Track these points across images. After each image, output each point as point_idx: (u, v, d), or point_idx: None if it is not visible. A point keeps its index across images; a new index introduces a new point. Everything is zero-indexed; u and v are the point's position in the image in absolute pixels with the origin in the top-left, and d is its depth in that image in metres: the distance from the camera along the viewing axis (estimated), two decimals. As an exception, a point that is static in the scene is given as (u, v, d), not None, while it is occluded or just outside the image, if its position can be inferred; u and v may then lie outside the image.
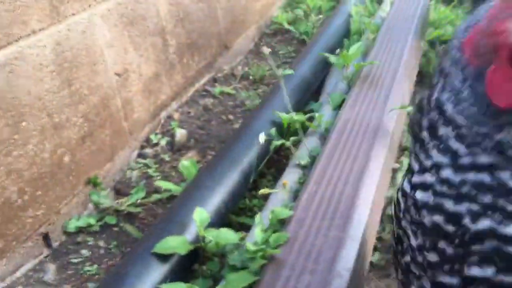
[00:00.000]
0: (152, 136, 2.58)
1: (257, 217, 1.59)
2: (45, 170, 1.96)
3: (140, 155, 2.49)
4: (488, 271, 0.77)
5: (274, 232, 1.57)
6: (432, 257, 0.83)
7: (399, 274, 0.98)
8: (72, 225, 2.06)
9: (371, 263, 1.80)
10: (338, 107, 2.37)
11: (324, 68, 2.94)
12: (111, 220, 2.12)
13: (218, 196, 1.89)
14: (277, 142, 2.09)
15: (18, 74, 1.82)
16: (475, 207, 0.77)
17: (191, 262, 1.66)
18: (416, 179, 0.86)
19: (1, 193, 1.75)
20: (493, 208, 0.76)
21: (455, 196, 0.79)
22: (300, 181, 1.93)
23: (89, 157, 2.19)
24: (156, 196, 2.21)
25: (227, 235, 1.56)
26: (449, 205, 0.79)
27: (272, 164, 2.32)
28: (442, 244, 0.81)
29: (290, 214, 1.61)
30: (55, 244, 2.00)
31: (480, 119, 0.79)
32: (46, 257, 1.95)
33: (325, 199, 1.70)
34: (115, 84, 2.36)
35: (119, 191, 2.29)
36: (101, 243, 2.03)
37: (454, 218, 0.79)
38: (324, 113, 2.37)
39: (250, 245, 1.47)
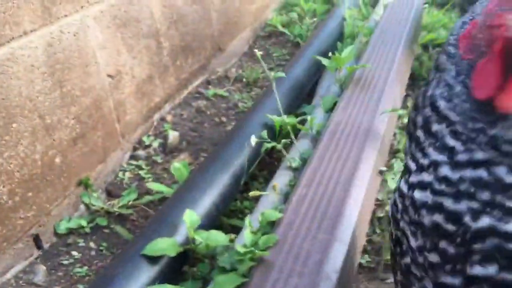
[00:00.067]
0: (145, 138, 2.58)
1: (247, 220, 1.59)
2: (36, 171, 1.96)
3: (133, 157, 2.49)
4: (491, 270, 0.76)
5: (264, 234, 1.58)
6: (433, 257, 0.82)
7: (399, 275, 0.96)
8: (63, 227, 2.06)
9: (361, 265, 1.81)
10: (330, 109, 2.38)
11: (317, 71, 2.95)
12: (102, 221, 2.11)
13: (209, 198, 1.89)
14: (268, 145, 2.09)
15: (9, 75, 1.82)
16: (474, 204, 0.76)
17: (181, 264, 1.66)
18: (413, 178, 0.84)
19: (-9, 194, 1.75)
20: (492, 205, 0.75)
21: (454, 194, 0.78)
22: (291, 183, 1.94)
23: (81, 158, 2.19)
24: (147, 198, 2.21)
25: (217, 237, 1.57)
26: (448, 203, 0.78)
27: (264, 166, 2.33)
28: (443, 244, 0.80)
29: (279, 216, 1.62)
30: (45, 246, 2.00)
31: (473, 114, 0.78)
32: (36, 258, 1.94)
33: (315, 201, 1.70)
34: (108, 86, 2.36)
35: (111, 193, 2.29)
36: (92, 245, 2.03)
37: (454, 216, 0.78)
38: (316, 115, 2.38)
39: (239, 247, 1.47)
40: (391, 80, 2.46)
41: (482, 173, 0.76)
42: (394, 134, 2.35)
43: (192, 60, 3.04)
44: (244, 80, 3.24)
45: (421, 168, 0.83)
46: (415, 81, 2.99)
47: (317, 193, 1.75)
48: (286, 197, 1.87)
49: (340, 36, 3.27)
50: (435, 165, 0.81)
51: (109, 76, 2.36)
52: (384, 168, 1.79)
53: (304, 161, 2.01)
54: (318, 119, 2.33)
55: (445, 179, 0.79)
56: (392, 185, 2.02)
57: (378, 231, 1.96)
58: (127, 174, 2.38)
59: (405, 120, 2.43)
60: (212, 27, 3.27)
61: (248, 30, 3.79)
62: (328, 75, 2.86)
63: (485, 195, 0.76)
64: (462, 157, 0.78)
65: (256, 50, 2.18)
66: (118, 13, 2.41)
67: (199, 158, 2.50)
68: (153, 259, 1.56)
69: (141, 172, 2.39)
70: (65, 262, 1.94)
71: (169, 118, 2.76)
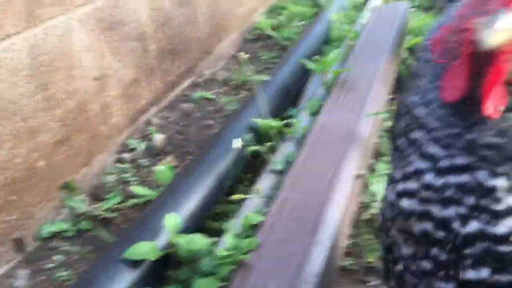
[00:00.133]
0: (131, 141, 2.57)
1: (229, 223, 1.59)
2: (19, 174, 1.95)
3: (118, 160, 2.49)
4: (483, 273, 0.76)
5: (246, 237, 1.58)
6: (426, 264, 0.82)
7: (392, 282, 0.96)
8: (46, 230, 2.05)
9: (344, 268, 1.82)
10: (316, 113, 2.39)
11: (304, 74, 2.96)
12: (86, 225, 2.11)
13: (193, 201, 1.89)
14: (252, 148, 2.09)
15: (-9, 78, 1.82)
16: (462, 210, 0.77)
17: (163, 268, 1.65)
18: (400, 187, 0.84)
19: (-28, 198, 1.74)
20: (479, 209, 0.76)
21: (441, 200, 0.78)
22: (275, 186, 1.94)
23: (65, 161, 2.18)
24: (132, 201, 2.20)
25: (198, 241, 1.57)
26: (436, 210, 0.79)
27: (250, 169, 2.32)
28: (434, 251, 0.80)
29: (261, 219, 1.62)
30: (28, 249, 1.98)
31: (450, 119, 0.79)
32: (18, 262, 1.93)
33: (298, 204, 1.71)
34: (93, 88, 2.35)
35: (96, 196, 2.28)
36: (76, 249, 2.02)
37: (443, 223, 0.78)
38: (302, 118, 2.39)
39: (220, 251, 1.47)
40: (376, 83, 2.48)
41: (465, 178, 0.77)
42: (379, 137, 2.36)
43: (179, 63, 3.04)
44: (232, 83, 3.25)
45: (406, 177, 0.83)
46: (400, 84, 3.01)
47: (300, 196, 1.76)
48: (270, 200, 1.87)
49: (327, 39, 3.28)
50: (419, 172, 0.81)
51: (95, 78, 2.36)
52: (362, 172, 1.79)
53: (289, 164, 2.02)
54: (303, 122, 2.34)
55: (430, 186, 0.79)
56: (376, 188, 2.03)
57: (362, 234, 1.97)
58: (112, 177, 2.37)
59: (390, 123, 2.45)
60: (199, 30, 3.27)
61: (236, 33, 3.80)
62: (315, 78, 2.87)
63: (471, 200, 0.76)
64: (444, 163, 0.79)
65: (241, 54, 2.18)
66: (104, 16, 2.41)
67: (185, 161, 2.50)
68: (134, 263, 1.56)
69: (126, 175, 2.38)
70: (48, 266, 1.93)
71: (155, 121, 2.76)
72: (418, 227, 0.81)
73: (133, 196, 2.23)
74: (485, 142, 0.76)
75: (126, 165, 2.44)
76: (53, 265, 1.94)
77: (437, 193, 0.79)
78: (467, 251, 0.77)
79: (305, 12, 4.06)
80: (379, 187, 2.03)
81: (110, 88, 2.45)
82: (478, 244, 0.76)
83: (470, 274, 0.77)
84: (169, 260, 1.63)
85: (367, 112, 2.20)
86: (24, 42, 1.97)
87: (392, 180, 0.89)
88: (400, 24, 3.21)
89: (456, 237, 0.77)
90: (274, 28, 3.95)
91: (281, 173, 2.03)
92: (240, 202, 1.94)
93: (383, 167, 2.14)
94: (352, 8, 3.76)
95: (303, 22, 3.97)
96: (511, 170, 0.76)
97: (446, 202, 0.78)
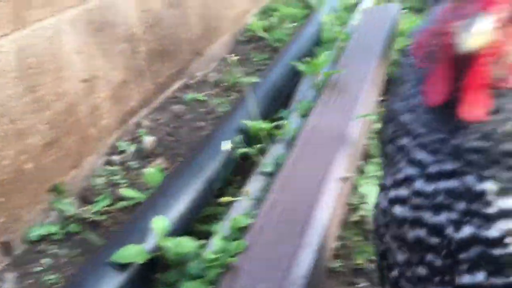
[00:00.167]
0: (120, 143, 2.56)
1: (217, 226, 1.59)
2: (7, 176, 1.93)
3: (108, 162, 2.47)
4: (479, 277, 0.76)
5: (235, 240, 1.58)
6: (421, 270, 0.82)
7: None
8: (35, 233, 2.03)
9: (333, 270, 1.82)
10: (306, 114, 2.39)
11: (295, 75, 2.96)
12: (74, 228, 2.09)
13: (182, 204, 1.89)
14: (241, 150, 2.09)
15: (-22, 80, 1.80)
16: (454, 215, 0.77)
17: (151, 271, 1.65)
18: (391, 194, 0.84)
19: (-41, 201, 1.73)
20: (470, 213, 0.76)
21: (432, 207, 0.78)
22: (264, 188, 1.94)
23: (54, 164, 2.17)
24: (122, 204, 2.19)
25: (186, 244, 1.56)
26: (428, 217, 0.79)
27: (240, 171, 2.32)
28: (429, 257, 0.80)
29: (249, 222, 1.62)
30: (16, 253, 1.97)
31: (435, 124, 0.79)
32: (6, 266, 1.91)
33: (286, 206, 1.71)
34: (83, 90, 2.34)
35: (85, 199, 2.27)
36: (64, 252, 2.00)
37: (436, 229, 0.78)
38: (292, 120, 2.39)
39: (208, 254, 1.47)
40: (366, 85, 2.48)
41: (454, 183, 0.77)
42: (368, 139, 2.36)
43: (170, 65, 3.03)
44: (223, 84, 3.24)
45: (397, 183, 0.83)
46: (391, 86, 3.02)
47: (289, 198, 1.75)
48: (259, 202, 1.87)
49: (318, 41, 3.29)
50: (408, 179, 0.81)
51: (84, 80, 2.35)
52: (348, 175, 1.80)
53: (279, 166, 2.02)
54: (294, 124, 2.34)
55: (420, 193, 0.79)
56: (365, 189, 2.03)
57: (351, 235, 1.97)
58: (102, 180, 2.36)
59: (379, 125, 2.45)
60: (190, 32, 3.26)
61: (228, 35, 3.80)
62: (306, 80, 2.87)
63: (461, 205, 0.77)
64: (432, 169, 0.79)
65: (231, 55, 2.18)
66: (94, 17, 2.40)
67: (176, 163, 2.49)
68: (121, 266, 1.55)
69: (116, 178, 2.37)
70: (36, 269, 1.92)
71: (145, 122, 2.75)
72: (412, 234, 0.81)
73: (122, 198, 2.22)
74: (471, 146, 0.77)
75: (115, 168, 2.43)
76: (41, 268, 1.92)
77: (428, 199, 0.79)
78: (462, 256, 0.77)
79: (296, 14, 4.07)
80: (368, 188, 2.03)
81: (99, 89, 2.44)
82: (472, 249, 0.76)
83: (466, 279, 0.77)
84: (157, 263, 1.63)
85: (357, 113, 2.21)
86: (12, 44, 1.95)
87: (383, 187, 0.89)
88: (391, 26, 3.22)
89: (450, 243, 0.77)
90: (266, 29, 3.95)
91: (270, 175, 2.03)
92: (229, 204, 1.94)
93: (372, 169, 2.15)
94: (344, 9, 3.77)
95: (294, 24, 3.98)
96: (498, 173, 0.76)
97: (437, 208, 0.78)
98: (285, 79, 2.88)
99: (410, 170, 0.81)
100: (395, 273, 0.89)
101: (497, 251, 0.75)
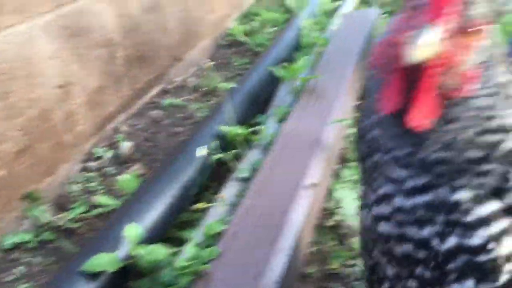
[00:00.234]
0: (97, 149, 2.54)
1: (190, 233, 1.58)
2: (-22, 185, 1.90)
3: (84, 169, 2.45)
4: (468, 285, 0.77)
5: (208, 246, 1.58)
6: (411, 283, 0.83)
7: None
8: (8, 241, 2.00)
9: (308, 275, 1.82)
10: (284, 119, 2.40)
11: (275, 80, 2.97)
12: (49, 235, 2.06)
13: (157, 210, 1.87)
14: (216, 156, 2.09)
15: None
16: (437, 227, 0.78)
17: (124, 279, 1.63)
18: (374, 211, 0.85)
19: None
20: (451, 224, 0.77)
21: (415, 222, 0.79)
22: (240, 194, 1.94)
23: (28, 171, 2.14)
24: (98, 210, 2.17)
25: (158, 251, 1.55)
26: (413, 232, 0.79)
27: (217, 177, 2.32)
28: (418, 270, 0.81)
29: (223, 228, 1.61)
30: (-12, 262, 1.94)
31: (402, 138, 0.79)
32: (-23, 275, 1.88)
33: (261, 212, 1.71)
34: (57, 96, 2.31)
35: (60, 206, 2.24)
36: (38, 260, 1.98)
37: (422, 243, 0.79)
38: (269, 125, 2.39)
39: (180, 261, 1.46)
40: (342, 90, 2.50)
41: (429, 197, 0.78)
42: (344, 143, 2.38)
43: (148, 70, 3.02)
44: (203, 89, 3.23)
45: (378, 200, 0.84)
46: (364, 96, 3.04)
47: (264, 203, 1.76)
48: (235, 208, 1.87)
49: (298, 45, 3.30)
50: (388, 196, 0.82)
51: (58, 86, 2.32)
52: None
53: (255, 171, 2.02)
54: (271, 129, 2.34)
55: (401, 209, 0.80)
56: (340, 194, 2.04)
57: (326, 240, 1.97)
58: (78, 186, 2.34)
59: (355, 130, 2.46)
60: (169, 37, 3.25)
61: (208, 40, 3.79)
62: (285, 85, 2.88)
63: (442, 217, 0.77)
64: (408, 184, 0.79)
65: (207, 61, 2.17)
66: (69, 23, 2.38)
67: (153, 168, 2.47)
68: (93, 275, 1.54)
69: (92, 184, 2.35)
70: (9, 278, 1.89)
71: (123, 128, 2.73)
72: (399, 249, 0.82)
73: (98, 205, 2.20)
74: (435, 158, 0.77)
75: (92, 174, 2.41)
76: (14, 277, 1.89)
77: (410, 214, 0.79)
78: (450, 266, 0.78)
79: (277, 18, 4.08)
80: (344, 193, 2.05)
81: (74, 95, 2.42)
82: (458, 258, 0.77)
83: None
84: (130, 271, 1.61)
85: (333, 119, 2.22)
86: (-17, 50, 1.93)
87: (366, 205, 0.89)
88: (370, 30, 3.25)
89: (437, 255, 0.79)
90: (247, 34, 3.96)
91: (247, 180, 2.03)
92: (205, 210, 1.94)
93: (348, 173, 2.16)
94: (323, 14, 3.79)
95: (275, 28, 3.99)
96: (468, 181, 0.77)
97: (420, 223, 0.79)
98: (264, 84, 2.88)
99: (388, 187, 0.82)
100: (385, 286, 0.90)
101: (481, 258, 0.77)
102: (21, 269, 1.93)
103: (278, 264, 1.48)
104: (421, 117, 0.73)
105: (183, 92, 3.19)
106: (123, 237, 1.66)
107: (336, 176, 2.17)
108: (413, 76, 0.73)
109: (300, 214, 1.68)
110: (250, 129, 2.27)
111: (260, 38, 3.85)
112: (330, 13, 3.81)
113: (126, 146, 2.55)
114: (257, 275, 1.44)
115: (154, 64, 3.08)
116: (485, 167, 0.76)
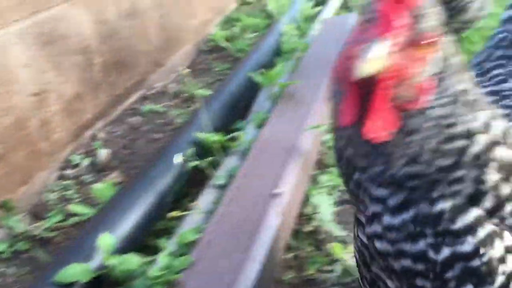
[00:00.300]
0: (74, 157, 2.51)
1: (165, 242, 1.57)
2: (-51, 195, 1.87)
3: (61, 177, 2.42)
4: None
5: (182, 255, 1.57)
6: None
7: None
8: (-19, 252, 1.97)
9: (284, 281, 1.82)
10: (261, 125, 2.40)
11: (254, 86, 2.97)
12: (23, 245, 2.04)
13: (132, 219, 1.86)
14: (192, 164, 2.08)
15: None
16: (429, 239, 0.79)
17: (97, 289, 1.62)
18: (368, 230, 0.86)
19: None
20: (441, 234, 0.78)
21: (408, 237, 0.80)
22: (216, 201, 1.94)
23: (2, 179, 2.11)
24: (74, 219, 2.15)
25: (131, 261, 1.54)
26: (408, 247, 0.80)
27: (195, 184, 2.31)
28: (419, 282, 0.82)
29: (197, 237, 1.61)
30: (-40, 274, 1.91)
31: (373, 156, 0.79)
32: (-52, 287, 1.85)
33: (235, 219, 1.71)
34: (32, 104, 2.29)
35: (36, 215, 2.22)
36: (12, 270, 1.95)
37: (419, 256, 0.80)
38: (247, 131, 2.39)
39: (154, 271, 1.45)
40: (320, 95, 2.51)
41: (412, 212, 0.79)
42: (321, 149, 2.39)
43: (127, 76, 3.00)
44: (183, 95, 3.23)
45: (369, 220, 0.84)
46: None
47: (239, 210, 1.75)
48: (210, 216, 1.86)
49: (278, 51, 3.31)
50: (376, 215, 0.82)
51: (34, 94, 2.30)
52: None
53: (232, 178, 2.02)
54: (249, 135, 2.34)
55: (391, 227, 0.81)
56: (317, 200, 2.04)
57: (304, 246, 1.98)
58: (54, 195, 2.31)
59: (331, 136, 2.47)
60: (149, 43, 3.24)
61: (189, 45, 3.79)
62: (264, 90, 2.89)
63: (430, 229, 0.78)
64: (391, 202, 0.80)
65: (184, 68, 2.17)
66: (44, 30, 2.36)
67: (131, 176, 2.46)
68: (66, 286, 1.52)
69: (69, 193, 2.32)
70: (-19, 290, 1.86)
71: (101, 135, 2.71)
72: (398, 265, 0.83)
73: (75, 214, 2.18)
74: (404, 174, 0.77)
75: (68, 182, 2.38)
76: (-13, 288, 1.87)
77: (401, 231, 0.80)
78: (448, 275, 0.79)
79: (258, 24, 4.09)
80: (320, 199, 2.05)
81: (50, 103, 2.39)
82: (456, 266, 0.78)
83: None
84: (103, 281, 1.60)
85: (310, 125, 2.23)
86: (-46, 58, 1.90)
87: (360, 223, 0.90)
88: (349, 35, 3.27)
89: (435, 265, 0.80)
90: (228, 39, 3.96)
91: (223, 187, 2.02)
92: (181, 218, 1.93)
93: (325, 179, 2.17)
94: (304, 19, 3.81)
95: (256, 34, 4.00)
96: (444, 190, 0.77)
97: (413, 237, 0.80)
98: (244, 90, 2.88)
99: (375, 207, 0.82)
100: None
101: (475, 263, 0.78)
102: (-6, 280, 1.91)
103: (252, 271, 1.48)
104: (377, 129, 0.74)
105: (163, 98, 3.18)
106: (95, 247, 1.65)
107: (314, 181, 2.18)
108: (367, 89, 0.74)
109: (275, 221, 1.68)
110: (227, 136, 2.27)
111: (240, 43, 3.86)
112: (311, 18, 3.83)
113: (103, 153, 2.53)
114: (231, 283, 1.43)
115: (133, 70, 3.07)
116: (457, 173, 0.77)
